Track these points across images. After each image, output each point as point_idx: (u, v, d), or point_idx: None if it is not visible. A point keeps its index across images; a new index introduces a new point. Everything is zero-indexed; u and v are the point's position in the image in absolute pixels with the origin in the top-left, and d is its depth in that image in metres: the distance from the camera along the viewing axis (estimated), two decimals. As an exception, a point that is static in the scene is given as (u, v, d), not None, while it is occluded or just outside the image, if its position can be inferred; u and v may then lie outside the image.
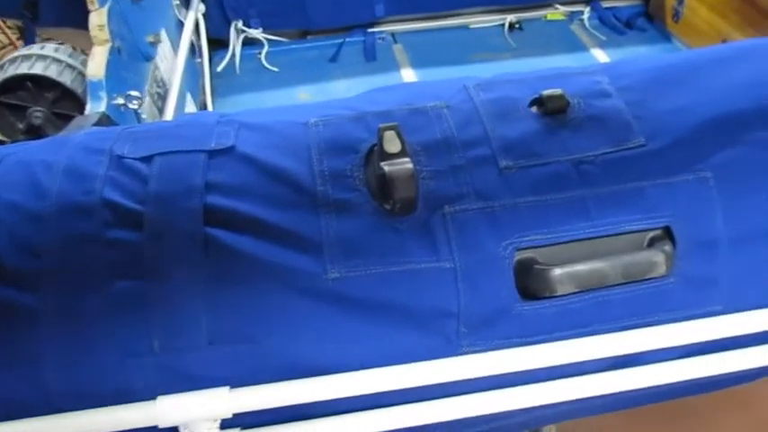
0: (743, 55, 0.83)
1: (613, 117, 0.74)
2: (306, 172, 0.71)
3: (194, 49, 1.77)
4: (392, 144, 0.68)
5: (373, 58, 1.92)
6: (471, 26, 2.10)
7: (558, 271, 0.66)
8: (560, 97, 0.74)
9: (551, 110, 0.74)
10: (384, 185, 0.67)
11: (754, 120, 0.73)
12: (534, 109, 0.76)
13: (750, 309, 0.72)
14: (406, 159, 0.67)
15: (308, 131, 0.75)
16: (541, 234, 0.68)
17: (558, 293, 0.67)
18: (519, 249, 0.68)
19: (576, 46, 2.05)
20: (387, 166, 0.67)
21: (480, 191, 0.69)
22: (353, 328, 0.66)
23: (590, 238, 0.69)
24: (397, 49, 1.97)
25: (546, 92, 0.74)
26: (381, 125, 0.69)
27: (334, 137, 0.74)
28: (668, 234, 0.70)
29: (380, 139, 0.68)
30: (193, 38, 1.76)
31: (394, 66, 1.89)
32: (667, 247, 0.69)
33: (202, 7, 1.76)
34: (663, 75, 0.80)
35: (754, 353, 0.74)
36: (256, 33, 1.90)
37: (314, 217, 0.68)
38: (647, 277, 0.68)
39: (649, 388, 0.73)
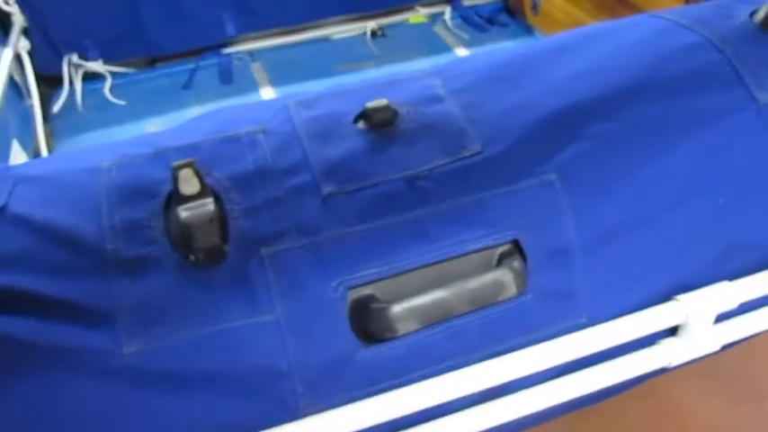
0: (582, 41, 0.78)
1: (446, 124, 0.67)
2: (93, 229, 0.58)
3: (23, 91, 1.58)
4: (189, 184, 0.57)
5: (230, 80, 1.79)
6: (333, 37, 2.01)
7: (396, 308, 0.57)
8: (386, 108, 0.66)
9: (378, 123, 0.66)
10: (183, 234, 0.56)
11: (595, 110, 0.68)
12: (360, 124, 0.67)
13: (615, 316, 0.66)
14: (207, 200, 0.57)
15: (99, 178, 0.62)
16: (375, 267, 0.59)
17: (401, 333, 0.58)
18: (352, 288, 0.59)
19: (441, 47, 2.00)
20: (183, 211, 0.56)
21: (302, 225, 0.60)
22: (165, 408, 0.54)
23: (432, 264, 0.61)
24: (256, 68, 1.85)
25: (370, 104, 0.66)
26: (175, 164, 0.58)
27: (128, 181, 0.62)
28: (518, 248, 0.63)
29: (175, 179, 0.57)
30: (19, 78, 1.57)
31: (252, 86, 1.77)
32: (517, 263, 0.62)
33: (26, 43, 1.57)
34: (498, 72, 0.74)
35: (629, 361, 0.69)
36: (96, 66, 1.73)
37: (103, 282, 0.56)
38: (498, 300, 0.61)
39: (529, 415, 0.66)
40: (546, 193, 0.64)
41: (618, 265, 0.65)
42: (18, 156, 1.27)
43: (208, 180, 0.61)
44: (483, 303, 0.60)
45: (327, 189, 0.61)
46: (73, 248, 0.57)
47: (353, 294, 0.59)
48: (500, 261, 0.63)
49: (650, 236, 0.65)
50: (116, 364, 0.54)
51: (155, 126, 1.57)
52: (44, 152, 1.37)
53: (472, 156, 0.64)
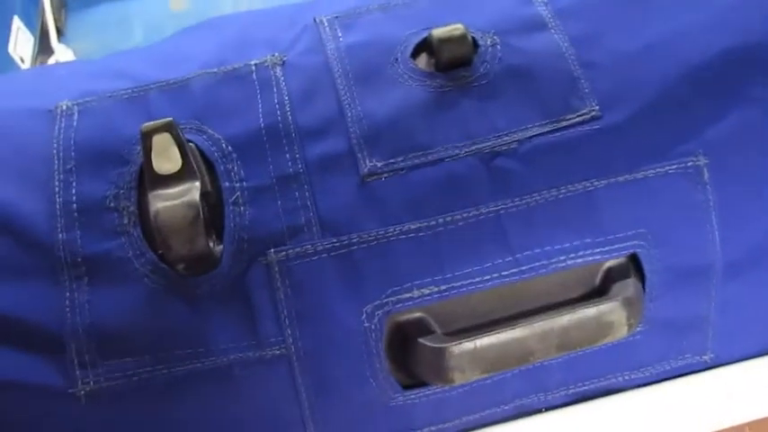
0: None
1: (549, 68, 0.45)
2: (41, 209, 0.42)
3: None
4: (165, 158, 0.39)
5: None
6: None
7: (455, 351, 0.40)
8: (461, 39, 0.44)
9: (447, 62, 0.45)
10: (158, 232, 0.39)
11: None
12: (421, 61, 0.46)
13: (745, 355, 0.48)
14: (190, 185, 0.39)
15: (54, 127, 0.45)
16: (428, 285, 0.41)
17: (457, 383, 0.41)
18: (392, 314, 0.41)
19: None
20: (157, 201, 0.39)
21: (328, 218, 0.42)
22: None
23: (511, 284, 0.42)
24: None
25: (438, 30, 0.45)
26: (145, 126, 0.39)
27: (91, 136, 0.44)
28: (635, 263, 0.44)
29: (146, 150, 0.39)
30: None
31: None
32: (632, 290, 0.43)
33: None
34: None
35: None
36: None
37: (52, 290, 0.40)
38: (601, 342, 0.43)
39: None
40: (687, 185, 0.43)
41: (761, 296, 0.46)
42: (20, 37, 1.09)
43: (199, 141, 0.42)
44: (578, 347, 0.42)
45: (369, 165, 0.42)
46: (14, 237, 0.41)
47: (394, 321, 0.42)
48: (607, 282, 0.44)
49: None
50: (68, 407, 0.39)
51: (182, 2, 1.34)
52: (52, 32, 1.18)
53: (584, 122, 0.43)
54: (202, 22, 0.54)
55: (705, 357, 0.47)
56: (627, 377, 0.46)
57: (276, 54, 0.47)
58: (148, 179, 0.39)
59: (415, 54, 0.46)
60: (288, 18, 0.51)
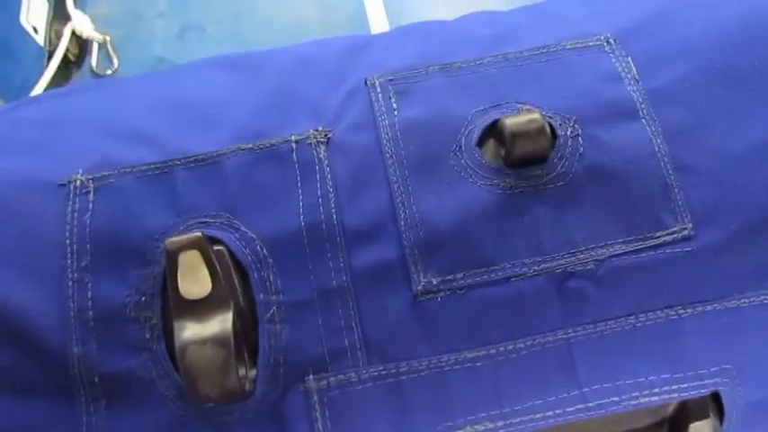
0: None
1: (639, 171, 0.39)
2: (55, 310, 0.37)
3: None
4: (193, 280, 0.34)
5: None
6: None
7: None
8: (538, 133, 0.38)
9: (520, 159, 0.38)
10: (183, 367, 0.34)
11: None
12: (488, 150, 0.40)
13: None
14: (222, 315, 0.34)
15: (68, 208, 0.39)
16: (485, 421, 0.37)
17: None
18: None
19: None
20: (183, 334, 0.34)
21: (375, 340, 0.37)
22: None
23: (577, 419, 0.38)
24: None
25: (512, 119, 0.38)
26: (170, 242, 0.34)
27: (111, 225, 0.39)
28: (715, 400, 0.39)
29: (171, 270, 0.34)
30: None
31: None
32: (707, 430, 0.38)
33: None
34: (730, 50, 0.42)
35: None
36: None
37: (67, 410, 0.36)
38: None
39: None
40: None
41: None
42: (33, 3, 1.01)
43: (230, 241, 0.37)
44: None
45: (423, 281, 0.37)
46: (23, 347, 0.37)
47: None
48: (681, 418, 0.39)
49: None
50: None
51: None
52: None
53: (674, 242, 0.38)
54: (238, 56, 0.48)
55: None
56: None
57: (321, 128, 0.40)
58: (174, 304, 0.34)
59: (481, 140, 0.40)
60: (337, 67, 0.44)
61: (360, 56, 0.45)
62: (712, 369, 0.38)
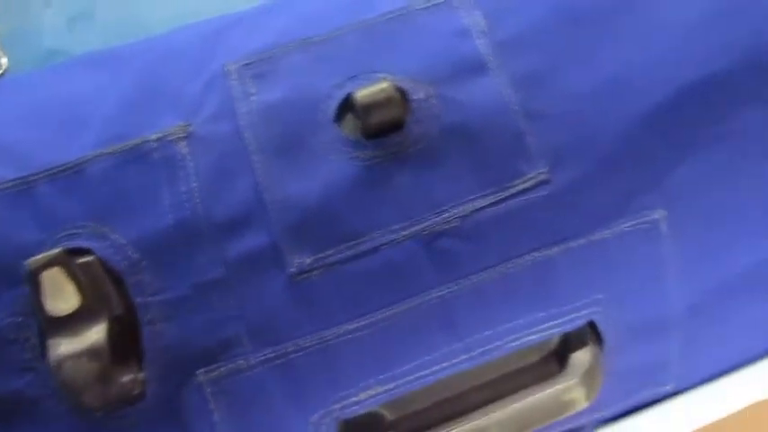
0: None
1: (492, 124, 0.40)
2: None
3: None
4: (60, 298, 0.34)
5: None
6: None
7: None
8: (389, 101, 0.38)
9: (375, 128, 0.39)
10: (61, 384, 0.35)
11: (738, 89, 0.41)
12: (347, 124, 0.40)
13: (706, 379, 0.47)
14: (94, 327, 0.34)
15: None
16: (376, 386, 0.39)
17: None
18: (340, 419, 0.39)
19: None
20: (55, 352, 0.34)
21: (257, 326, 0.38)
22: None
23: (464, 371, 0.40)
24: None
25: (362, 92, 0.39)
26: (30, 262, 0.34)
27: None
28: (593, 329, 0.42)
29: (34, 289, 0.34)
30: None
31: None
32: (589, 360, 0.41)
33: None
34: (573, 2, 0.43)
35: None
36: None
37: None
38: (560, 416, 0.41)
39: None
40: (644, 242, 0.40)
41: (720, 323, 0.44)
42: None
43: (100, 250, 0.37)
44: (539, 426, 0.41)
45: (296, 261, 0.38)
46: None
47: (344, 422, 0.39)
48: (564, 349, 0.42)
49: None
50: None
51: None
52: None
53: (533, 187, 0.39)
54: (103, 52, 0.46)
55: (666, 387, 0.46)
56: (587, 418, 0.45)
57: (180, 123, 0.40)
58: (44, 323, 0.34)
59: (340, 115, 0.40)
60: (200, 53, 0.43)
61: (221, 39, 0.44)
62: (585, 301, 0.40)
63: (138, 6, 1.13)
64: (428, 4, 0.43)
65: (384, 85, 0.38)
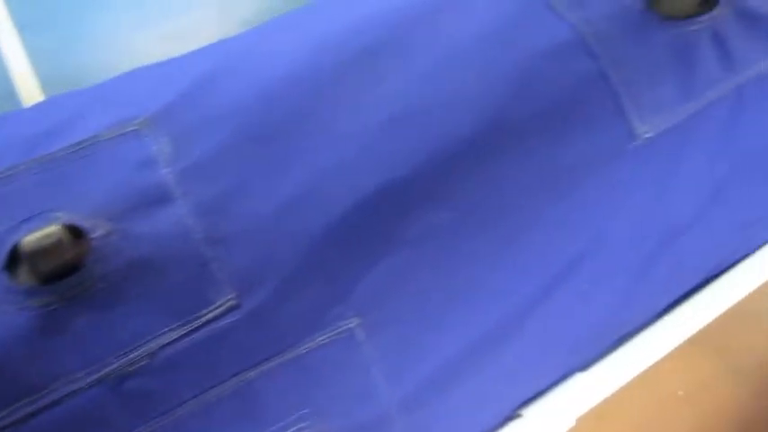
0: (412, 30, 0.49)
1: (178, 254, 0.40)
2: None
3: None
4: None
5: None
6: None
7: None
8: (57, 247, 0.37)
9: (48, 275, 0.37)
10: None
11: (419, 190, 0.44)
12: (22, 271, 0.38)
13: None
14: None
15: None
16: None
17: None
18: None
19: None
20: None
21: None
22: None
23: None
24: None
25: (27, 240, 0.37)
26: None
27: None
28: None
29: None
30: None
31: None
32: None
33: None
34: (261, 117, 0.44)
35: None
36: None
37: None
38: None
39: None
40: (342, 351, 0.42)
41: (446, 410, 0.47)
42: None
43: None
44: None
45: None
46: None
47: None
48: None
49: (491, 369, 0.47)
50: None
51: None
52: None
53: (222, 315, 0.39)
54: None
55: None
56: None
57: None
58: None
59: (12, 262, 0.38)
60: None
61: None
62: (291, 418, 0.41)
63: None
64: (115, 134, 0.43)
65: (53, 229, 0.37)
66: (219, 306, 0.39)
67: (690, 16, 0.51)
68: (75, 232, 0.38)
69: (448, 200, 0.44)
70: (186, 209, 0.40)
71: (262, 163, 0.42)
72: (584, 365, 0.53)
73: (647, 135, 0.48)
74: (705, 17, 0.51)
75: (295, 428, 0.41)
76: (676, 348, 0.61)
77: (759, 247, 0.60)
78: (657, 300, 0.56)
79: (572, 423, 0.53)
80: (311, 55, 0.47)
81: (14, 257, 0.38)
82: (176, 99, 0.44)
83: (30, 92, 0.96)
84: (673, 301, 0.58)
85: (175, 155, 0.42)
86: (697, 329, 0.59)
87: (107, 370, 0.37)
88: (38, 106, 0.49)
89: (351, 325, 0.41)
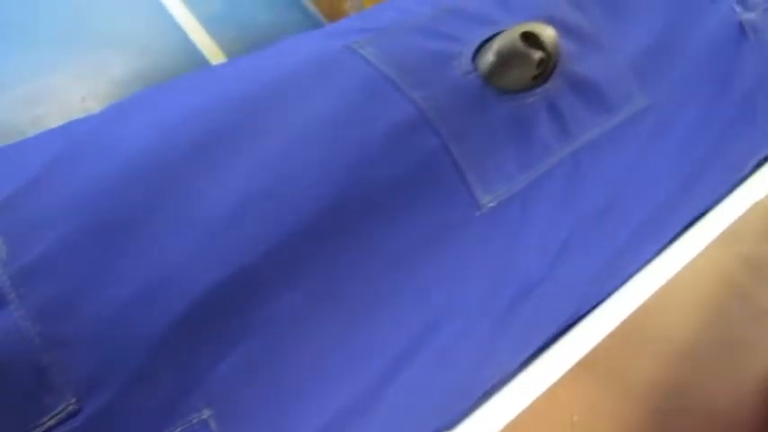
0: (256, 112, 0.50)
1: (13, 361, 0.38)
2: None
3: None
4: None
5: None
6: None
7: None
8: None
9: None
10: None
11: (267, 276, 0.44)
12: None
13: None
14: None
15: None
16: None
17: None
18: None
19: None
20: None
21: None
22: None
23: None
24: None
25: None
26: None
27: None
28: None
29: None
30: None
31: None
32: None
33: None
34: (106, 203, 0.44)
35: None
36: None
37: None
38: None
39: None
40: None
41: None
42: None
43: None
44: None
45: None
46: None
47: None
48: None
49: None
50: None
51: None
52: None
53: (62, 421, 0.38)
54: None
55: None
56: None
57: None
58: None
59: None
60: None
61: None
62: None
63: None
64: None
65: None
66: (59, 412, 0.38)
67: (526, 90, 0.55)
68: None
69: (299, 283, 0.45)
70: (23, 312, 0.39)
71: (104, 259, 0.42)
72: (451, 425, 0.55)
73: (490, 204, 0.51)
74: (540, 89, 0.55)
75: None
76: (568, 375, 0.64)
77: (610, 294, 0.65)
78: (517, 353, 0.59)
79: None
80: (161, 140, 0.47)
81: None
82: (12, 193, 0.43)
83: None
84: (535, 351, 0.61)
85: (11, 254, 0.41)
86: (578, 358, 0.63)
87: None
88: None
89: (204, 416, 0.41)
